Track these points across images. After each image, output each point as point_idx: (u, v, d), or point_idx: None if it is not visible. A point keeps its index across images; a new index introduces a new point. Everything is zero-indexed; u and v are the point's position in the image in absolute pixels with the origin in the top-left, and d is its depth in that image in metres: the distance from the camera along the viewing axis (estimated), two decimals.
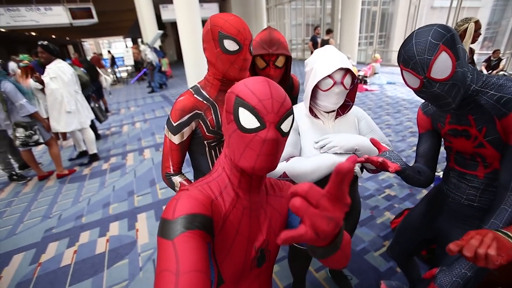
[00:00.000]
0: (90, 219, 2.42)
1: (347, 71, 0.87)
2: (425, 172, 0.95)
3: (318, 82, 0.88)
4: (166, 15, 12.00)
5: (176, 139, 0.93)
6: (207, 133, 0.96)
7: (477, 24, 2.25)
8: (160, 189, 2.80)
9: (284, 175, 0.90)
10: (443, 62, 0.67)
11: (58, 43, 19.49)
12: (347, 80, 0.88)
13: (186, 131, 0.93)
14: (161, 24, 12.04)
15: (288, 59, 1.21)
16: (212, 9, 13.49)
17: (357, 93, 6.12)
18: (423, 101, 1.22)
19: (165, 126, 0.95)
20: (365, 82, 6.60)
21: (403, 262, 1.23)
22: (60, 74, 2.97)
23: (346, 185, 0.31)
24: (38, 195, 2.91)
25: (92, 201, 2.70)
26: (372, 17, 11.50)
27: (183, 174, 1.00)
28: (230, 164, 0.56)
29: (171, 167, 0.96)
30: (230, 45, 0.84)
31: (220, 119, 0.96)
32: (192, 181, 1.06)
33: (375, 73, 6.87)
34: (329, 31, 6.72)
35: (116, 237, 2.16)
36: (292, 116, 0.52)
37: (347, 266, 1.70)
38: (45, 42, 2.89)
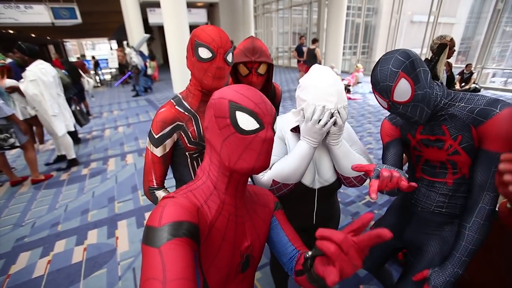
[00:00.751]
0: (66, 226, 2.32)
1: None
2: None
3: None
4: (153, 19, 11.89)
5: (158, 152, 0.92)
6: (188, 145, 0.95)
7: (452, 42, 2.42)
8: (142, 195, 2.74)
9: (274, 183, 0.89)
10: (402, 87, 0.75)
11: (38, 43, 18.76)
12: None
13: (168, 143, 0.92)
14: (148, 27, 11.91)
15: (270, 68, 1.23)
16: (200, 15, 13.51)
17: None
18: None
19: (147, 138, 0.93)
20: (348, 91, 6.80)
21: (376, 272, 1.26)
22: (41, 76, 2.84)
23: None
24: (9, 201, 2.75)
25: (69, 208, 2.59)
26: (356, 28, 11.94)
27: (166, 188, 0.99)
28: (218, 170, 0.56)
29: (154, 180, 0.94)
30: (204, 53, 0.86)
31: (201, 130, 0.95)
32: (171, 187, 1.05)
33: (358, 83, 7.11)
34: (315, 41, 6.71)
35: (94, 245, 2.08)
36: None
37: None
38: (20, 42, 2.79)
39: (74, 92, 4.14)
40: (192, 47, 0.88)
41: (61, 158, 3.63)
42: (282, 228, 0.68)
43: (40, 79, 2.84)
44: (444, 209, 0.91)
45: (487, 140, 0.76)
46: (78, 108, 3.97)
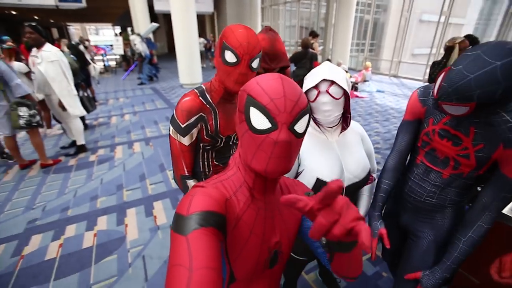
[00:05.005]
0: (76, 212, 2.35)
1: (333, 82, 0.86)
2: (394, 181, 1.04)
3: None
4: (158, 6, 11.72)
5: (186, 141, 0.93)
6: (205, 136, 0.97)
7: (463, 43, 2.42)
8: (150, 184, 2.76)
9: None
10: (459, 109, 0.68)
11: (41, 25, 18.43)
12: (334, 90, 0.86)
13: (194, 132, 0.94)
14: (153, 14, 11.75)
15: (286, 66, 1.27)
16: (207, 4, 13.30)
17: None
18: None
19: (171, 127, 0.93)
20: (356, 89, 6.77)
21: (395, 265, 1.30)
22: (61, 57, 2.89)
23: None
24: (19, 184, 2.78)
25: (78, 194, 2.62)
26: (364, 25, 11.78)
27: (196, 179, 1.02)
28: (244, 165, 0.55)
29: (185, 169, 0.96)
30: (229, 57, 0.85)
31: (218, 125, 0.97)
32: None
33: (365, 81, 7.06)
34: (314, 35, 5.77)
35: (104, 232, 2.11)
36: (308, 115, 0.50)
37: None
38: (33, 23, 2.77)
39: (82, 77, 4.11)
40: (220, 47, 0.87)
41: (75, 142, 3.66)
42: None
43: (61, 60, 2.88)
44: (434, 200, 0.94)
45: (510, 165, 0.75)
46: (85, 94, 3.96)
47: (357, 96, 6.37)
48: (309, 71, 4.77)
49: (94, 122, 4.75)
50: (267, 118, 0.46)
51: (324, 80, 0.86)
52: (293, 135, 0.47)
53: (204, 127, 0.95)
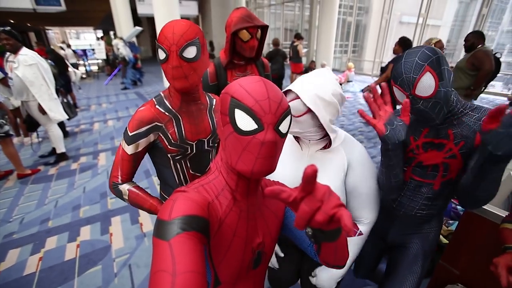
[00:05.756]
0: (57, 223, 2.26)
1: (297, 96, 0.75)
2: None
3: None
4: (142, 9, 11.53)
5: (129, 150, 0.89)
6: (169, 147, 0.92)
7: (439, 43, 2.52)
8: None
9: None
10: (426, 81, 0.75)
11: (18, 30, 17.69)
12: (294, 104, 0.76)
13: (142, 142, 0.89)
14: (136, 18, 11.56)
15: (264, 33, 1.36)
16: (191, 7, 13.23)
17: None
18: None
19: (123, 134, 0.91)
20: None
21: (371, 277, 1.32)
22: (39, 61, 2.79)
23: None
24: None
25: (59, 204, 2.52)
26: (347, 27, 12.06)
27: (133, 181, 0.96)
28: (227, 168, 0.55)
29: (119, 177, 0.91)
30: (160, 54, 0.82)
31: (183, 132, 0.92)
32: (144, 188, 1.03)
33: (348, 81, 7.21)
34: (299, 37, 6.17)
35: (88, 242, 2.04)
36: (290, 116, 0.51)
37: None
38: (8, 28, 2.66)
39: (61, 83, 3.98)
40: (157, 50, 0.85)
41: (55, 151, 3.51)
42: None
43: (40, 64, 2.78)
44: (425, 212, 0.96)
45: None
46: (65, 100, 3.83)
47: None
48: (282, 65, 5.21)
49: (76, 129, 4.60)
50: (253, 119, 0.46)
51: (290, 90, 0.78)
52: (278, 135, 0.49)
53: (164, 137, 0.90)
